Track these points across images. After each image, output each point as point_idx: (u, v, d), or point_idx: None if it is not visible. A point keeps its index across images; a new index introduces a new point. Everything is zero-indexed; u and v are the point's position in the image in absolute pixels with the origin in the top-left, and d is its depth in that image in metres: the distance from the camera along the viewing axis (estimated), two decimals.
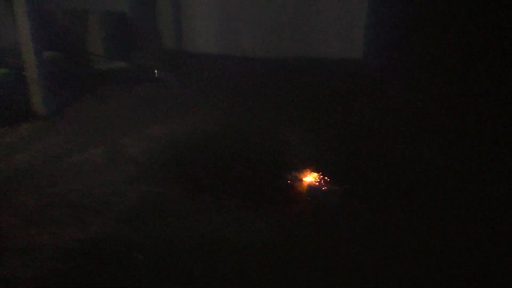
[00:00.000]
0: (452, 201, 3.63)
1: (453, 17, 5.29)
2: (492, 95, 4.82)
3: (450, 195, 3.71)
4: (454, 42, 5.25)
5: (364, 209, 3.55)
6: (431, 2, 5.54)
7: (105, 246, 3.15)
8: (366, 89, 5.50)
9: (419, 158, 4.34)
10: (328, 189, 3.84)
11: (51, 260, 3.03)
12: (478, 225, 3.33)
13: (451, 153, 4.35)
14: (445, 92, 5.15)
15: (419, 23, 5.61)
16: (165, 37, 8.48)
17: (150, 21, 7.16)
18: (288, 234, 3.27)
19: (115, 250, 3.11)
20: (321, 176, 4.02)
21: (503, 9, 4.83)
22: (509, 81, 4.78)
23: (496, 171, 4.03)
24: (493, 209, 3.51)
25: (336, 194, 3.75)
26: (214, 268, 2.92)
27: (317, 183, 3.94)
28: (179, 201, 3.74)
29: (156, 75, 6.97)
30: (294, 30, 7.81)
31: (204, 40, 8.48)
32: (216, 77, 7.18)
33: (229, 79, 7.05)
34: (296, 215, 3.54)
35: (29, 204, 3.75)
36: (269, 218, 3.47)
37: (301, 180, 3.99)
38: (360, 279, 2.81)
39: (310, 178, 4.03)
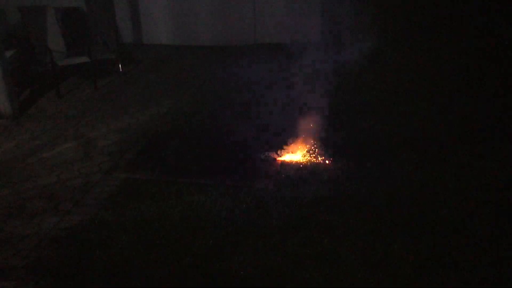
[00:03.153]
0: None
1: None
2: None
3: None
4: None
5: None
6: None
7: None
8: None
9: None
10: None
11: (37, 248, 3.28)
12: None
13: None
14: None
15: None
16: (123, 30, 8.56)
17: (107, 15, 7.23)
18: None
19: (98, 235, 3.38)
20: None
21: None
22: None
23: None
24: None
25: None
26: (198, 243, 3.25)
27: None
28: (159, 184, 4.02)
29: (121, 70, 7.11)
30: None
31: (160, 32, 8.62)
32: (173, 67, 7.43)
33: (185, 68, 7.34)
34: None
35: (8, 198, 3.94)
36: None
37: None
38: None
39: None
